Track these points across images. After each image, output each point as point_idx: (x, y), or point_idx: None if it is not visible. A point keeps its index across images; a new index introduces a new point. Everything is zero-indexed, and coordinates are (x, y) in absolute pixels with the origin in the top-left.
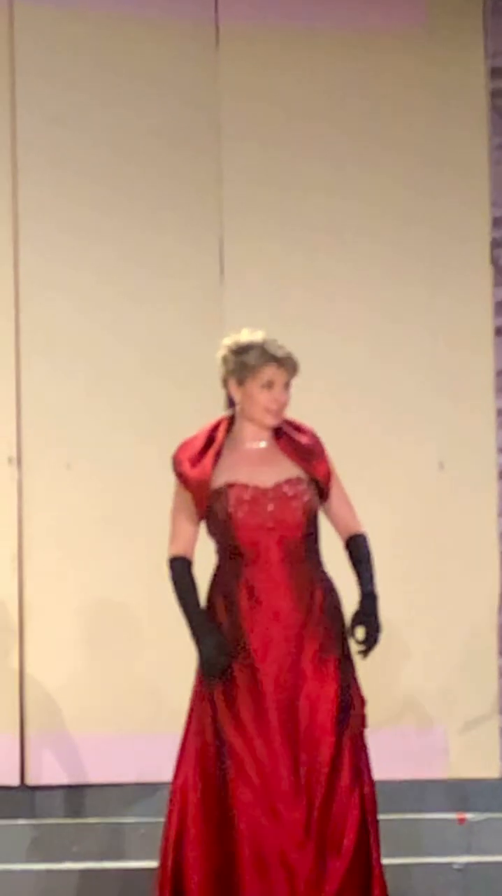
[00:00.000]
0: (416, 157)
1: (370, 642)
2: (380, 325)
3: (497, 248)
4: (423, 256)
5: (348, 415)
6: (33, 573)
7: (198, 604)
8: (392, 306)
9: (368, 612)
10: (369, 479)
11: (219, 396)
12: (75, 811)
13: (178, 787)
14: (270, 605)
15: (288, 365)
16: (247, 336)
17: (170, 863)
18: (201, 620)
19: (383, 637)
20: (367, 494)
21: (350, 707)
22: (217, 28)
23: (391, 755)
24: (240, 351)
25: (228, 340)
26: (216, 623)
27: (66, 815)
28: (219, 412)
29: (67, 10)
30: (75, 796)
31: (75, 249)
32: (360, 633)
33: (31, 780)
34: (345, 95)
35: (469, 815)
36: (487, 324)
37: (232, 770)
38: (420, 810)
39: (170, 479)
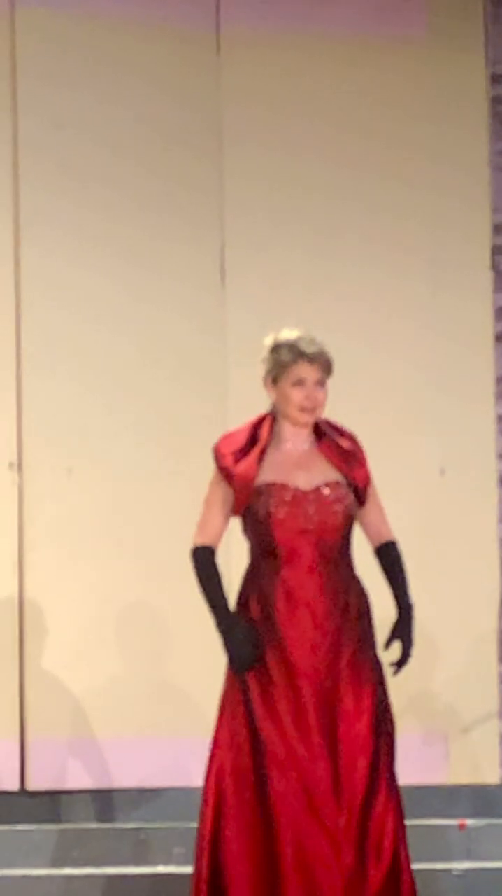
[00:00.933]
0: (417, 163)
1: (404, 657)
2: (381, 330)
3: (498, 254)
4: (424, 262)
5: (348, 420)
6: (34, 578)
7: (223, 595)
8: (393, 311)
9: (406, 625)
10: None
11: (222, 401)
12: (75, 816)
13: (212, 785)
14: (307, 607)
15: (318, 361)
16: (283, 334)
17: (206, 862)
18: (227, 612)
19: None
20: None
21: (385, 711)
22: (218, 34)
23: None
24: (274, 350)
25: (268, 339)
26: (246, 617)
27: (67, 821)
28: (222, 416)
29: (68, 13)
30: (75, 801)
31: (77, 255)
32: (397, 648)
33: (32, 785)
34: (345, 101)
35: (469, 821)
36: (488, 329)
37: (271, 770)
38: (420, 816)
39: (170, 484)
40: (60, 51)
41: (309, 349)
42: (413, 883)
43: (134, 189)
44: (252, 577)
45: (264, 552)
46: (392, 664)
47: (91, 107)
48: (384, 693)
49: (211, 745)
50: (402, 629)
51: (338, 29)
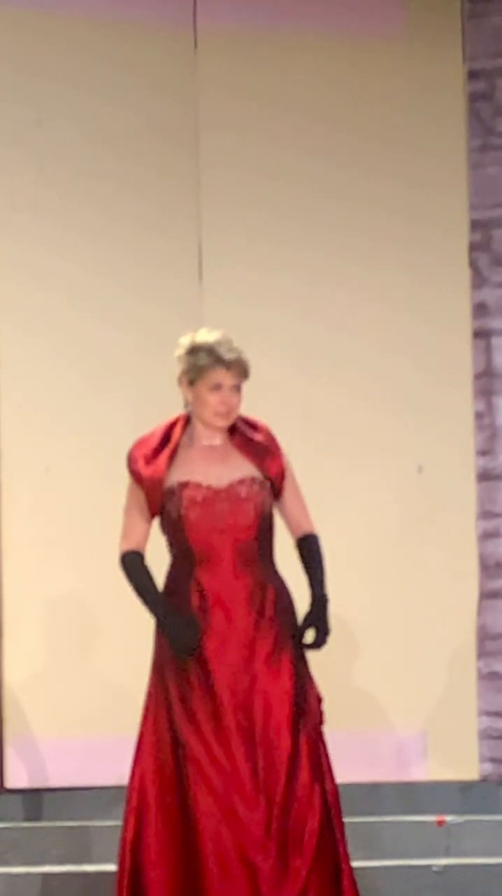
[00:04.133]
0: (395, 159)
1: (318, 644)
2: (358, 325)
3: (475, 251)
4: (402, 259)
5: (325, 418)
6: (12, 576)
7: (156, 590)
8: (371, 307)
9: (319, 615)
10: (348, 483)
11: None
12: (55, 814)
13: (135, 786)
14: (222, 606)
15: (236, 368)
16: (202, 336)
17: (127, 863)
18: (163, 604)
19: (362, 640)
20: (346, 498)
21: (305, 705)
22: (195, 31)
23: (370, 757)
24: (192, 352)
25: (185, 339)
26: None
27: (46, 819)
28: None
29: (46, 11)
30: (55, 800)
31: (56, 245)
32: (309, 636)
33: (11, 783)
34: (322, 97)
35: (448, 818)
36: (466, 326)
37: (191, 772)
38: (399, 812)
39: None
40: (38, 45)
41: (227, 356)
42: (352, 877)
43: (113, 179)
44: (170, 578)
45: (180, 552)
46: (305, 645)
47: (69, 99)
48: (304, 688)
49: (135, 750)
50: (315, 618)
51: (314, 24)
